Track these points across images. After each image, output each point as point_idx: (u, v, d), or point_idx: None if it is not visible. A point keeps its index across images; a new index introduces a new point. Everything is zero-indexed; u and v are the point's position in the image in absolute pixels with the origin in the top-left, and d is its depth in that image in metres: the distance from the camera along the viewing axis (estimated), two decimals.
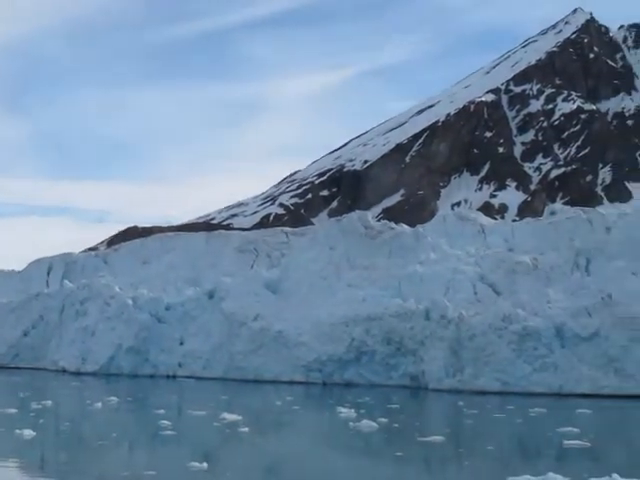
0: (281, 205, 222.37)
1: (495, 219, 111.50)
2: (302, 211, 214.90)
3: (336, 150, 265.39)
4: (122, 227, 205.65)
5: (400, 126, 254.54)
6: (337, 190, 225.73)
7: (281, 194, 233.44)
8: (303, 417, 33.82)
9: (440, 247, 63.56)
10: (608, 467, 17.82)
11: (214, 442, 25.19)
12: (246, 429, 26.53)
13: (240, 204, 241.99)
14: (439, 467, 20.54)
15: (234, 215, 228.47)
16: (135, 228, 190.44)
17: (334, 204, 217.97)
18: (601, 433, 27.99)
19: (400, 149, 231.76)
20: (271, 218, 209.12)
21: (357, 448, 23.76)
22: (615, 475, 16.62)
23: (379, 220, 79.05)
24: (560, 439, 23.80)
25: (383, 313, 57.17)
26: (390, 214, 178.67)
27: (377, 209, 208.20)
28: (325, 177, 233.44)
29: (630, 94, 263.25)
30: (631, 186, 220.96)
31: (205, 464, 19.12)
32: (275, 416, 33.43)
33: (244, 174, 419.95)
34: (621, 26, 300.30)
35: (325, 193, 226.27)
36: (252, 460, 21.64)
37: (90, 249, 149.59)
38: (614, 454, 23.02)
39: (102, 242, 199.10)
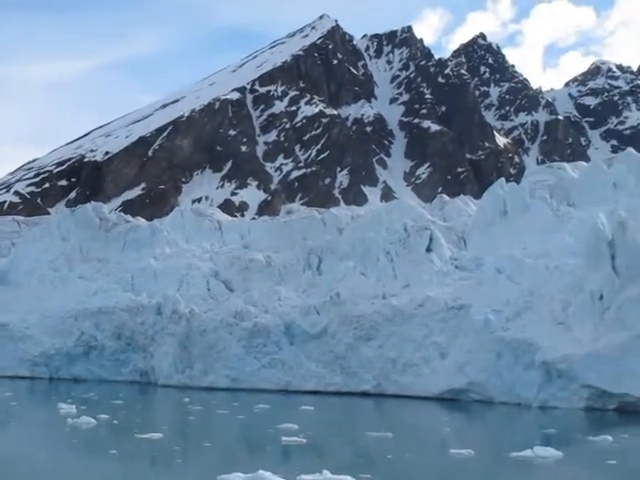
0: (16, 193, 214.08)
1: (235, 217, 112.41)
2: (39, 200, 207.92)
3: (77, 140, 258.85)
4: None
5: (144, 119, 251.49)
6: (76, 180, 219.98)
7: (17, 182, 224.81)
8: (19, 413, 32.38)
9: (176, 242, 63.32)
10: (321, 463, 17.96)
11: None
12: None
13: None
14: (151, 465, 20.02)
15: None
16: None
17: (72, 195, 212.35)
18: (319, 430, 28.40)
19: (143, 142, 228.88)
20: (5, 206, 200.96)
21: (70, 445, 22.88)
22: (325, 471, 16.74)
23: (118, 213, 77.70)
24: (279, 436, 23.89)
25: (114, 307, 56.17)
26: (130, 207, 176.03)
27: (117, 201, 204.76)
28: (64, 167, 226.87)
29: (370, 101, 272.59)
30: (367, 190, 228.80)
31: None
32: None
33: None
34: (364, 35, 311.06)
35: (64, 183, 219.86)
36: None
37: None
38: (328, 451, 23.34)
39: None
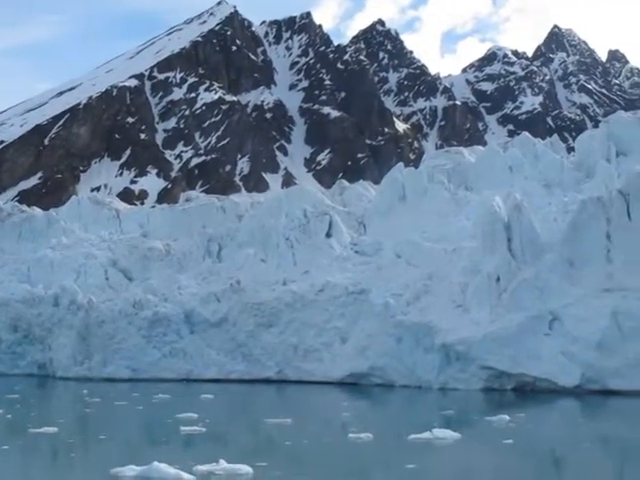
0: None
1: (135, 205, 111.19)
2: None
3: None
4: None
5: (39, 107, 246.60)
6: None
7: None
8: None
9: (73, 232, 62.38)
10: (218, 452, 17.77)
11: None
12: None
13: None
14: (45, 460, 19.51)
15: None
16: None
17: None
18: (219, 418, 28.17)
19: (39, 131, 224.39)
20: None
21: None
22: (222, 461, 16.57)
23: (14, 203, 76.08)
24: (177, 426, 23.61)
25: (10, 299, 55.11)
26: (27, 197, 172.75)
27: (13, 192, 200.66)
28: None
29: (270, 88, 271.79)
30: (268, 177, 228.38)
31: None
32: None
33: None
34: (263, 21, 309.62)
35: None
36: None
37: None
38: (227, 439, 23.15)
39: None
